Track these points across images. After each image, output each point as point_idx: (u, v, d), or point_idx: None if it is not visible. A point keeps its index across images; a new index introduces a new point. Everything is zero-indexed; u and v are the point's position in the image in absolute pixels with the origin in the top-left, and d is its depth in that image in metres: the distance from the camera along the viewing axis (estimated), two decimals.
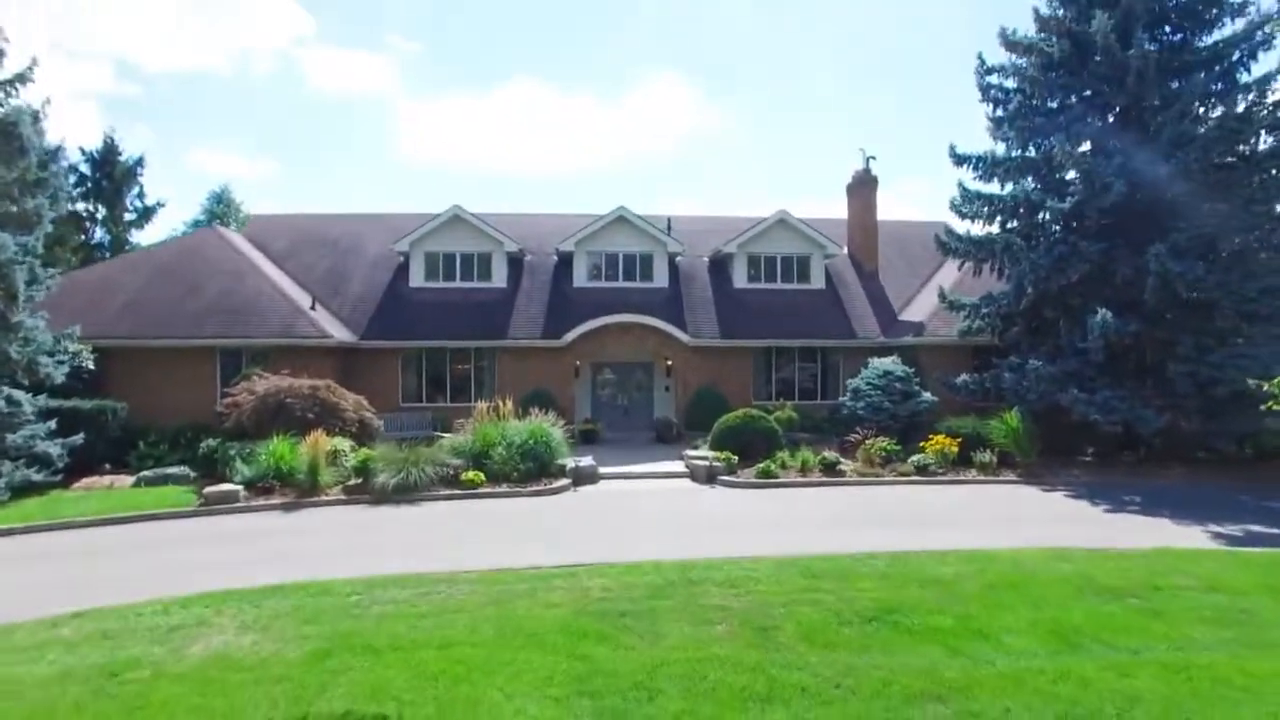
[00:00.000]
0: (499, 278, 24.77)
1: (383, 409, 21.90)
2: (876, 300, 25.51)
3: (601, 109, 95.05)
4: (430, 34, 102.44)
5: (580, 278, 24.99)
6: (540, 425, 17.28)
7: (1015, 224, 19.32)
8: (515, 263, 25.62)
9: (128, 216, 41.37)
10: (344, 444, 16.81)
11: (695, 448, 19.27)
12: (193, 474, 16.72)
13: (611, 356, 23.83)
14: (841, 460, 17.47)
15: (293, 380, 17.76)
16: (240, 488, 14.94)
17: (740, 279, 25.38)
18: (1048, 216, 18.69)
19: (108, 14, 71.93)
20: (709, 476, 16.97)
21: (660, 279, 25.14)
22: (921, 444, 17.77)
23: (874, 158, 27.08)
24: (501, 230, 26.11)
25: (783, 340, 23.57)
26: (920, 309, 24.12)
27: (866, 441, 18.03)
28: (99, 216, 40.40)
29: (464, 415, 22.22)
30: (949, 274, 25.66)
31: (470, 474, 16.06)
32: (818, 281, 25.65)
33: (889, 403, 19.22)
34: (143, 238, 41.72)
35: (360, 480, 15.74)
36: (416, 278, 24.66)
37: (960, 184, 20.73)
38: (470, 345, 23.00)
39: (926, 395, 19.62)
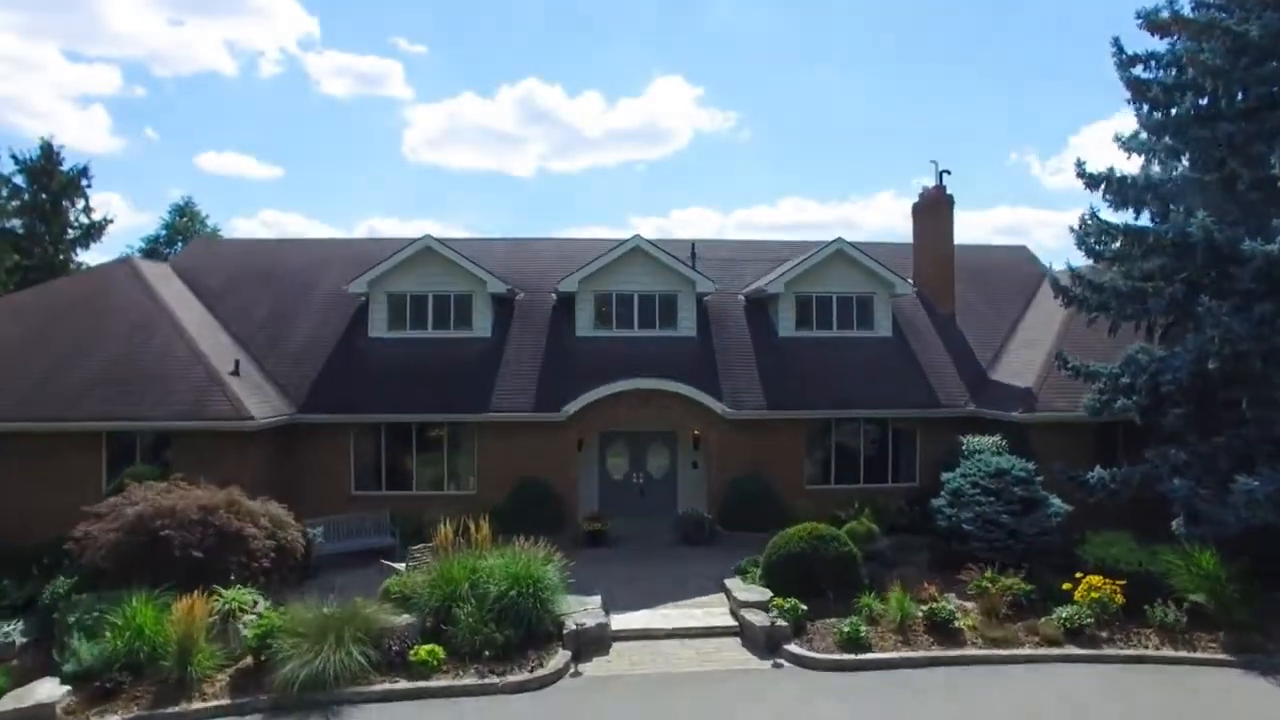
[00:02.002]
0: (481, 325, 19.62)
1: (329, 502, 16.88)
2: (957, 352, 20.27)
3: (604, 109, 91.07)
4: (435, 36, 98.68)
5: (584, 325, 19.83)
6: (528, 564, 12.16)
7: (1182, 268, 14.07)
8: (503, 304, 20.47)
9: (71, 234, 36.48)
10: (248, 596, 11.71)
11: (743, 577, 14.11)
12: (21, 639, 11.60)
13: (625, 425, 18.67)
14: (953, 611, 12.29)
15: (182, 494, 12.63)
16: (64, 692, 9.82)
17: (786, 325, 20.19)
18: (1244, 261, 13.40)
19: (115, 16, 69.34)
20: (769, 641, 11.81)
21: (686, 326, 19.96)
22: (1063, 583, 12.59)
23: (948, 172, 21.94)
24: (485, 265, 20.96)
25: (844, 411, 18.35)
26: (1016, 367, 18.88)
27: (985, 580, 12.87)
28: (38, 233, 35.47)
29: (436, 506, 17.20)
30: (1044, 317, 20.45)
31: (423, 650, 10.94)
32: (883, 328, 20.45)
33: (1006, 514, 13.98)
34: (89, 258, 36.86)
35: (259, 660, 10.65)
36: (377, 325, 19.53)
37: (1091, 212, 15.56)
38: (443, 419, 17.84)
39: (1056, 502, 14.38)
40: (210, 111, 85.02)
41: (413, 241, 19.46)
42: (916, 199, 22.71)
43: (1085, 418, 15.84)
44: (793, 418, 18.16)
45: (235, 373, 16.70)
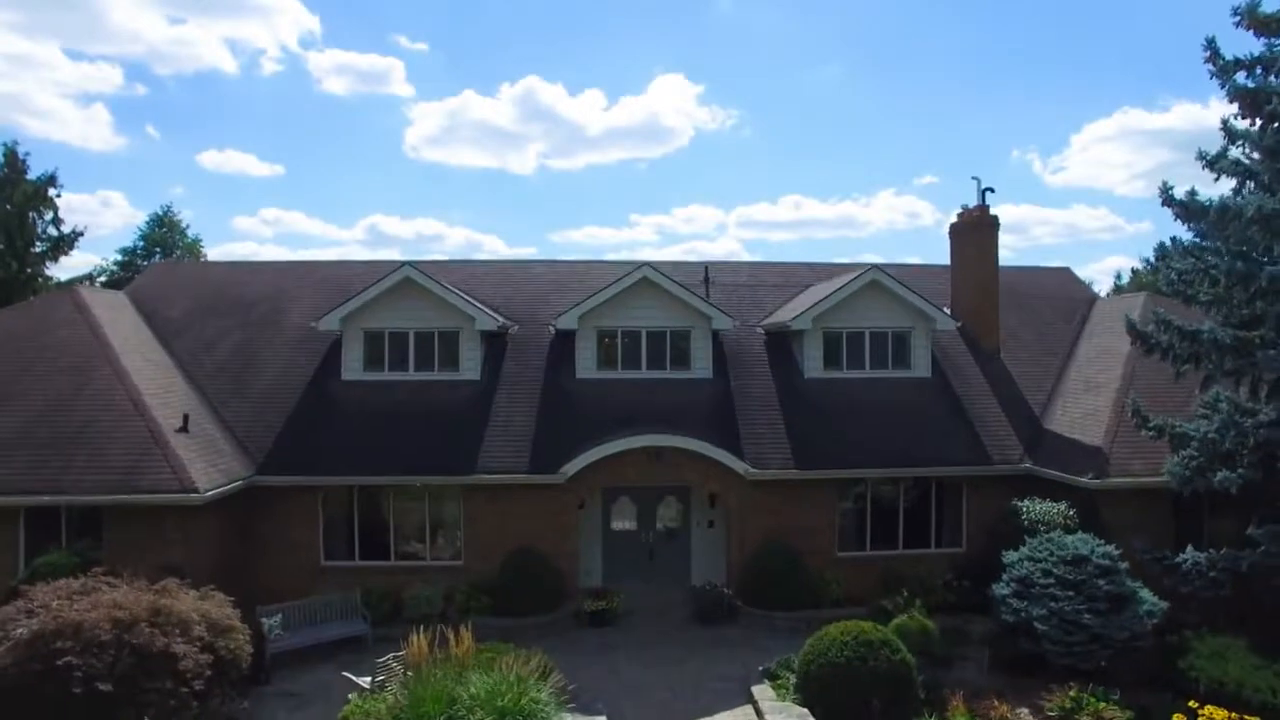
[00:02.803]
0: (469, 366, 17.34)
1: (293, 577, 14.79)
2: (1005, 394, 17.96)
3: (605, 107, 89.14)
4: (436, 34, 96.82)
5: (586, 365, 17.55)
6: (519, 692, 9.88)
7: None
8: (494, 340, 18.20)
9: (40, 247, 34.18)
10: None
11: (774, 684, 11.87)
12: None
13: (633, 481, 16.41)
14: None
15: (94, 601, 10.37)
16: None
17: (813, 364, 17.91)
18: None
19: (116, 14, 67.83)
20: None
21: (700, 366, 17.68)
22: (1173, 713, 10.32)
23: (991, 190, 19.60)
24: (475, 293, 18.79)
25: (882, 471, 16.05)
26: (1076, 415, 16.60)
27: (1069, 698, 10.62)
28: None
29: (417, 579, 15.01)
30: (1100, 352, 18.22)
31: None
32: (921, 367, 18.16)
33: (1089, 614, 11.70)
34: (58, 273, 34.58)
35: None
36: (352, 366, 17.26)
37: (1182, 246, 13.35)
38: (425, 482, 15.57)
39: (1149, 598, 12.08)
40: (211, 110, 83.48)
41: (392, 270, 17.17)
42: (955, 219, 20.41)
43: (1161, 481, 13.59)
44: (823, 478, 15.87)
45: (184, 428, 14.44)
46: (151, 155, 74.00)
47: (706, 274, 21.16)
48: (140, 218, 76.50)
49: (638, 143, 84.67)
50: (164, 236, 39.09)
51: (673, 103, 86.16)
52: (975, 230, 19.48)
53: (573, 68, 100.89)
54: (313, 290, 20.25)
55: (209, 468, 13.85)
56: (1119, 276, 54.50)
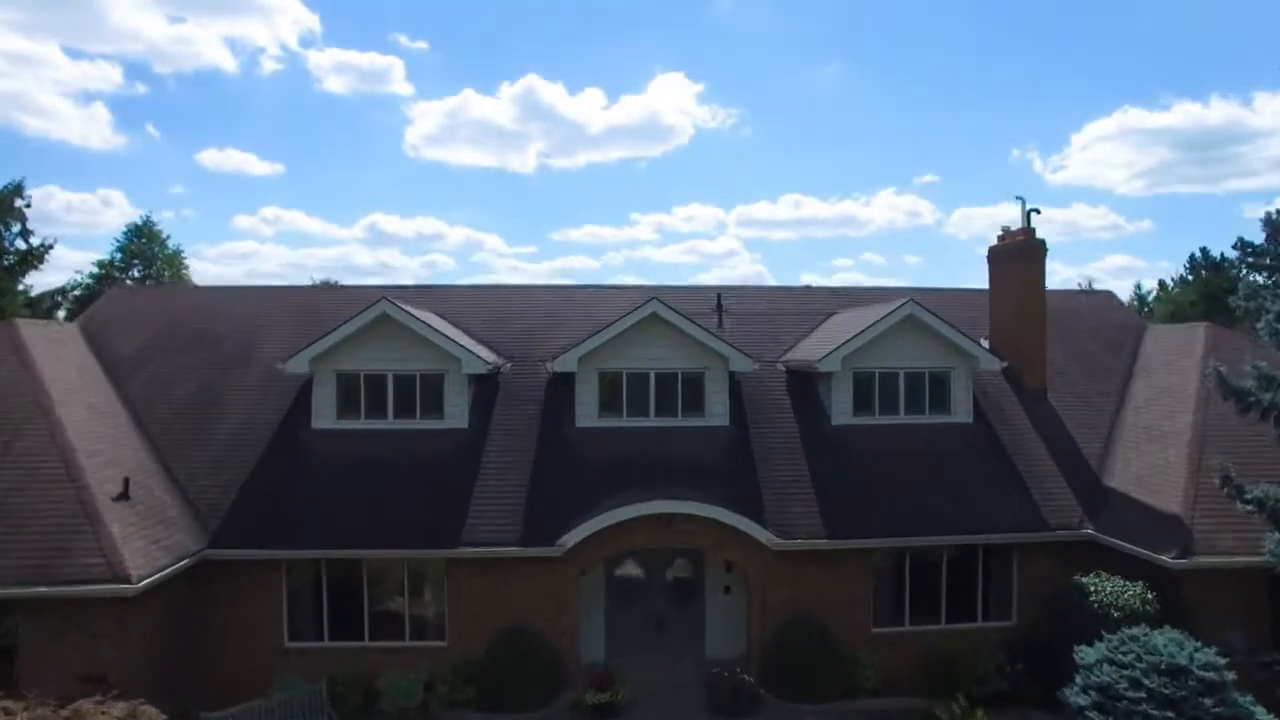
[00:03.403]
0: (455, 413, 15.42)
1: (253, 661, 12.98)
2: (1056, 442, 16.02)
3: (605, 106, 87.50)
4: (436, 33, 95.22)
5: (587, 411, 15.62)
6: None
7: None
8: (484, 381, 16.26)
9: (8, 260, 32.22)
10: None
11: None
12: None
13: (640, 546, 14.46)
14: None
15: None
16: None
17: (842, 409, 15.97)
18: None
19: (116, 13, 66.56)
20: None
21: (716, 412, 15.75)
22: None
23: (1037, 210, 17.61)
24: (463, 327, 16.92)
25: (923, 539, 14.11)
26: (1141, 471, 14.67)
27: None
28: None
29: (394, 663, 13.11)
30: (1160, 392, 16.33)
31: None
32: (961, 410, 16.24)
33: None
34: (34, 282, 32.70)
35: None
36: (323, 413, 15.34)
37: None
38: (403, 555, 13.63)
39: (1264, 717, 10.15)
40: (211, 109, 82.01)
41: (368, 305, 15.22)
42: (995, 242, 18.47)
43: (1269, 565, 11.64)
44: (857, 547, 13.93)
45: (124, 495, 12.51)
46: (151, 154, 72.66)
47: (719, 302, 19.22)
48: (140, 217, 74.72)
49: (638, 141, 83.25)
50: (143, 248, 37.14)
51: (673, 101, 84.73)
52: (1019, 256, 17.52)
53: (573, 66, 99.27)
54: (287, 321, 18.33)
55: (150, 545, 11.90)
56: (1140, 287, 52.60)
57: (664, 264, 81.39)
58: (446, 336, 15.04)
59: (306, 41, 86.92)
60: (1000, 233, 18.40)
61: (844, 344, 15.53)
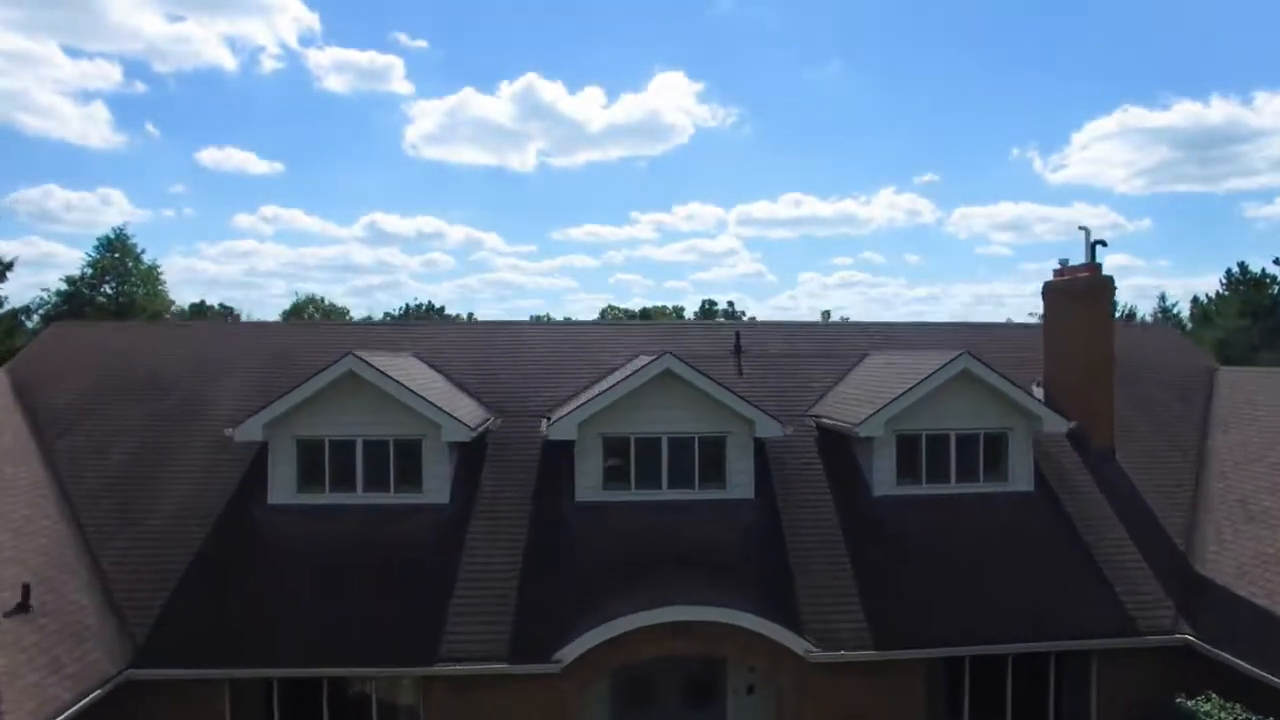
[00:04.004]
0: (435, 485, 13.20)
1: None
2: (1132, 517, 13.81)
3: (605, 104, 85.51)
4: (435, 32, 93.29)
5: (589, 483, 13.41)
6: None
7: None
8: (471, 449, 14.02)
9: None
10: None
11: None
12: None
13: (651, 655, 12.21)
14: None
15: None
16: None
17: (884, 478, 13.78)
18: None
19: (115, 12, 64.86)
20: None
21: (739, 483, 13.55)
22: None
23: (1103, 243, 15.40)
24: (444, 383, 14.77)
25: (986, 648, 11.87)
26: (1243, 558, 12.45)
27: None
28: None
29: None
30: (1252, 451, 14.16)
31: None
32: (1021, 478, 14.06)
33: None
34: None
35: None
36: (280, 486, 13.13)
37: None
38: (370, 675, 11.40)
39: None
40: (211, 107, 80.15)
41: (334, 362, 12.94)
42: (1051, 277, 16.28)
43: None
44: (908, 658, 11.72)
45: (23, 605, 10.29)
46: (151, 153, 70.91)
47: (738, 342, 17.03)
48: (140, 216, 72.64)
49: (638, 140, 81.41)
50: (114, 263, 34.84)
51: (673, 100, 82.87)
52: (1083, 296, 15.31)
53: (572, 65, 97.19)
54: (248, 364, 16.15)
55: (48, 679, 9.65)
56: (1163, 298, 50.37)
57: (664, 262, 79.53)
58: (424, 399, 12.78)
59: (306, 40, 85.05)
60: (1057, 266, 16.24)
61: (887, 405, 13.30)
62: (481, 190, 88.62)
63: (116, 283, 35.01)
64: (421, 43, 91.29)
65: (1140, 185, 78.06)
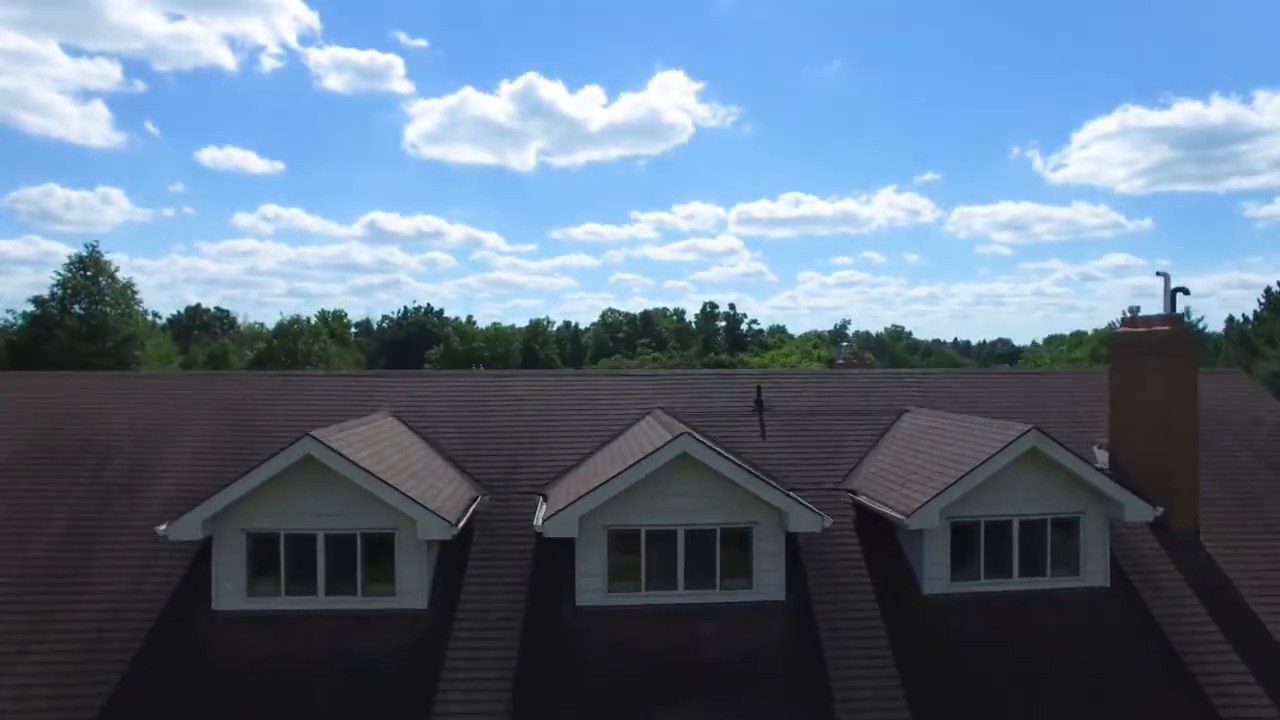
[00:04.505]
0: (411, 587, 11.18)
1: None
2: (1230, 615, 11.80)
3: (606, 103, 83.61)
4: (435, 31, 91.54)
5: (591, 585, 11.37)
6: None
7: None
8: (454, 539, 11.96)
9: None
10: None
11: None
12: None
13: None
14: None
15: None
16: None
17: (937, 573, 11.76)
18: None
19: (115, 11, 63.08)
20: None
21: (768, 582, 11.51)
22: None
23: (1185, 290, 13.39)
24: (426, 434, 12.94)
25: None
26: None
27: None
28: None
29: None
30: None
31: None
32: (1096, 572, 12.06)
33: None
34: None
35: None
36: (229, 591, 11.11)
37: None
38: None
39: None
40: (211, 106, 78.27)
41: (289, 445, 10.91)
42: (1118, 328, 14.27)
43: None
44: None
45: None
46: (151, 152, 69.13)
47: (759, 398, 15.04)
48: (140, 215, 70.62)
49: (638, 139, 79.76)
50: (86, 283, 32.76)
51: (673, 99, 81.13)
52: (1163, 351, 13.24)
53: (572, 64, 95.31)
54: (203, 424, 14.23)
55: None
56: (1190, 313, 48.29)
57: (664, 262, 77.67)
58: (395, 489, 10.75)
59: (306, 39, 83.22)
60: (1126, 313, 14.26)
61: (941, 493, 11.27)
62: (481, 189, 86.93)
63: (88, 302, 32.95)
64: (421, 42, 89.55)
65: (1140, 184, 76.41)
